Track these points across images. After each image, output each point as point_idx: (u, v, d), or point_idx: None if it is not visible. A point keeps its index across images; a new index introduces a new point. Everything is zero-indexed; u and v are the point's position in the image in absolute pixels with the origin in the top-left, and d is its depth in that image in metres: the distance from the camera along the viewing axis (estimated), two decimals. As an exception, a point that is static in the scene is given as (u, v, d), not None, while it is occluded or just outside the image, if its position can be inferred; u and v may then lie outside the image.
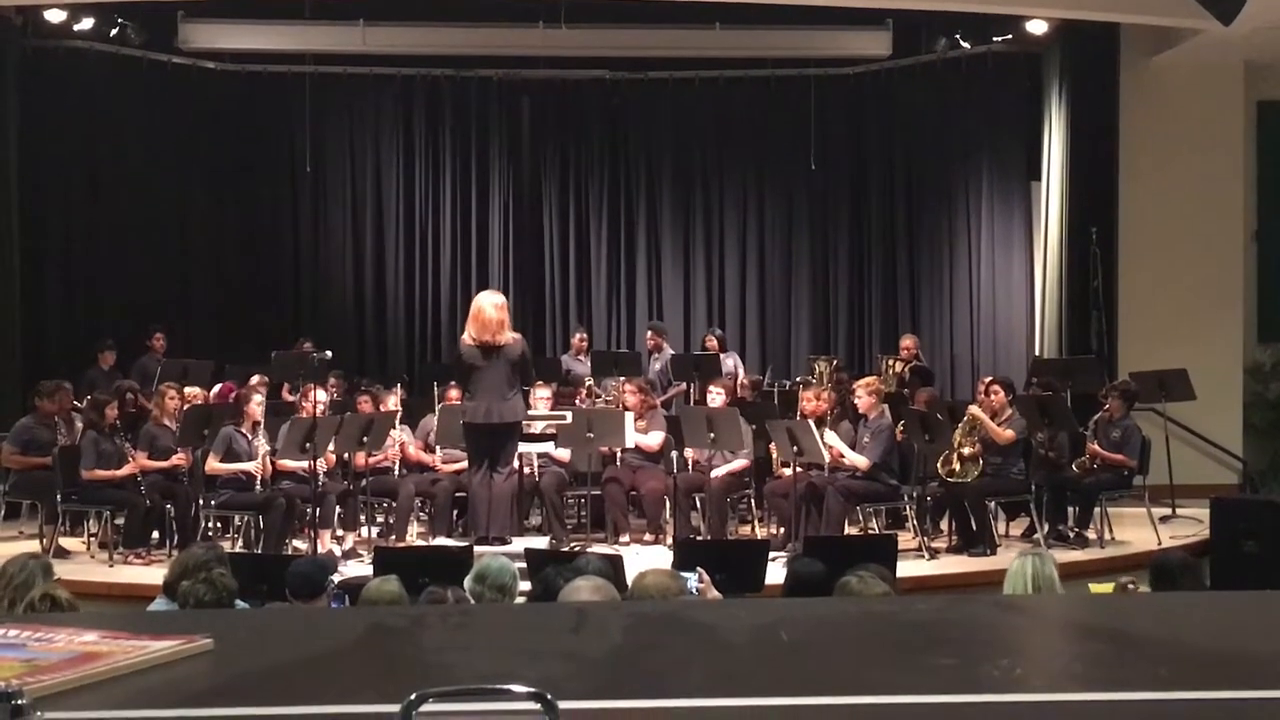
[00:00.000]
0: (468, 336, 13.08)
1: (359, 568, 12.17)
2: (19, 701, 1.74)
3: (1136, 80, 17.54)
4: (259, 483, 13.26)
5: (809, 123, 20.00)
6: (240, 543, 13.40)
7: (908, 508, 14.12)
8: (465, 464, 13.93)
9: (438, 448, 14.59)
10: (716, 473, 13.78)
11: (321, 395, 14.15)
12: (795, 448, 13.00)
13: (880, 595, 7.02)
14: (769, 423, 14.01)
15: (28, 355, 17.27)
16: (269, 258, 20.53)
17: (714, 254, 20.93)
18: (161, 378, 15.40)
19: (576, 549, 11.78)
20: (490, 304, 13.13)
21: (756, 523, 14.61)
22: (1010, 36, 18.24)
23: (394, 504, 14.02)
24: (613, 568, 8.87)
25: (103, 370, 17.04)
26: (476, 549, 11.33)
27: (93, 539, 13.89)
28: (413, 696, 1.76)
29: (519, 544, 12.40)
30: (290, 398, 15.19)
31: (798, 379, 17.42)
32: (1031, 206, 19.00)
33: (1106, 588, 10.72)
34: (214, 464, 13.33)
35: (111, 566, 12.90)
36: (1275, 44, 16.71)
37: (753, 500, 14.55)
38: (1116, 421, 14.06)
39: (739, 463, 13.98)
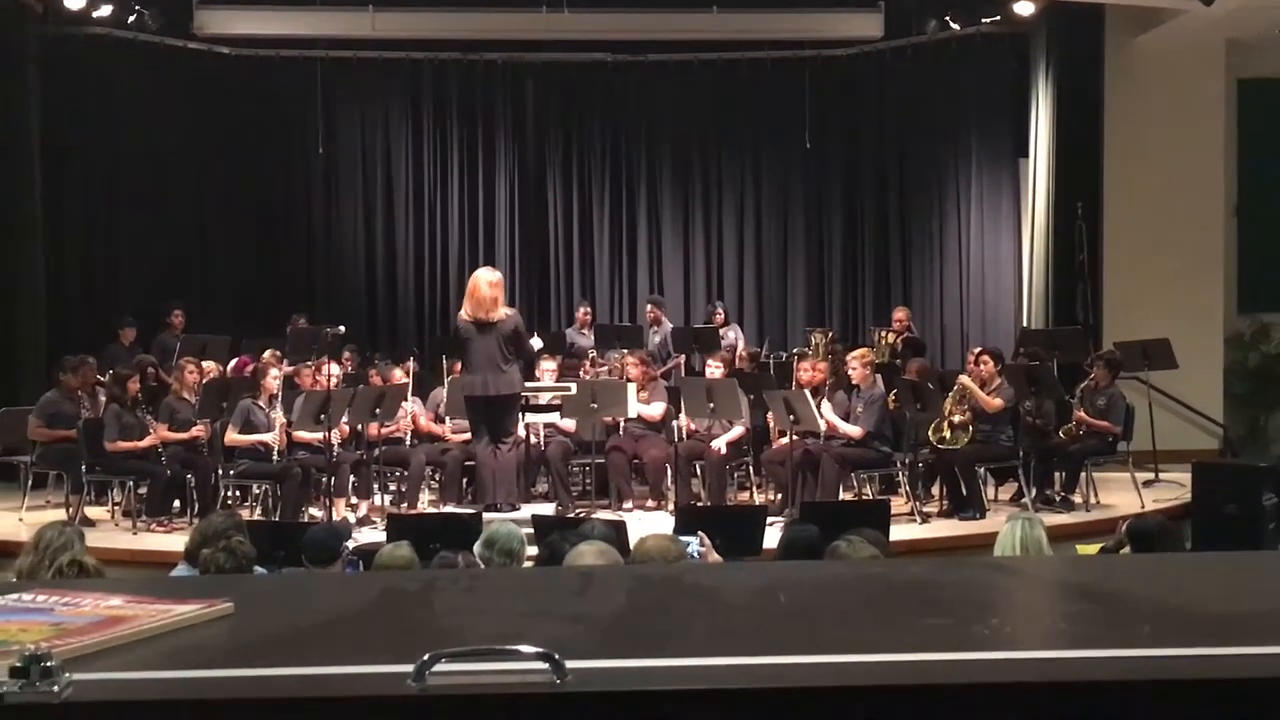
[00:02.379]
0: (464, 312, 13.32)
1: (372, 534, 12.29)
2: (48, 663, 1.76)
3: (1121, 59, 17.58)
4: (276, 453, 13.44)
5: (804, 103, 20.06)
6: (258, 511, 13.59)
7: (900, 474, 14.32)
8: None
9: (447, 418, 14.71)
10: (716, 444, 13.96)
11: (335, 369, 14.41)
12: (792, 417, 13.17)
13: (869, 558, 7.02)
14: (766, 393, 14.12)
15: (52, 333, 17.30)
16: (283, 237, 20.62)
17: (712, 230, 21.02)
18: (181, 353, 15.55)
19: (581, 515, 11.94)
20: (485, 281, 13.33)
21: (755, 489, 14.75)
22: (998, 18, 18.23)
23: (406, 473, 14.23)
24: (616, 533, 9.00)
25: (123, 346, 17.11)
26: (485, 515, 11.50)
27: (116, 508, 14.10)
28: (425, 657, 1.79)
29: (526, 510, 12.54)
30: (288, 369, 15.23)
31: (794, 350, 17.48)
32: (1019, 182, 19.02)
33: (1093, 548, 11.08)
34: (233, 435, 13.55)
35: (135, 534, 13.13)
36: (1256, 23, 16.77)
37: (751, 467, 14.70)
38: (1101, 390, 14.23)
39: (735, 431, 14.13)
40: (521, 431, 13.78)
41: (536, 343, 16.17)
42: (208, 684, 1.86)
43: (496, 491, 13.23)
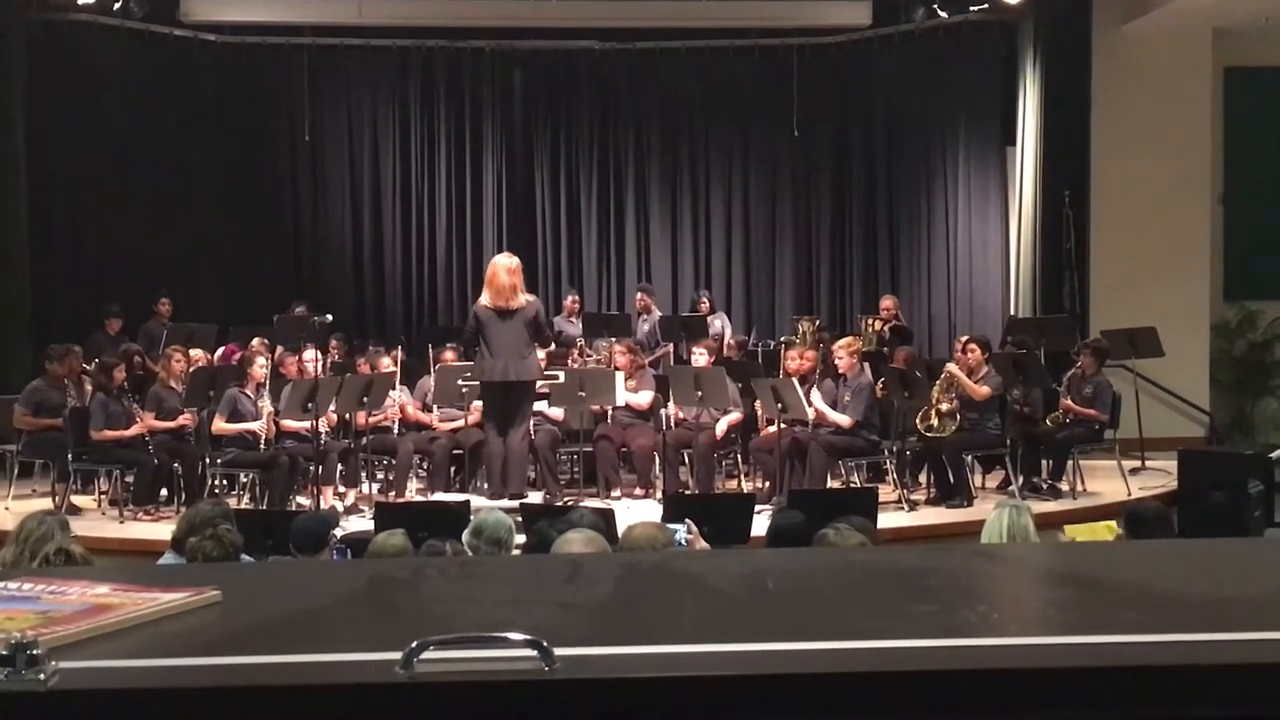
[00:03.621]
0: (483, 299, 13.37)
1: (360, 523, 12.32)
2: (34, 651, 1.76)
3: (1108, 48, 17.62)
4: (263, 442, 13.49)
5: (792, 91, 20.04)
6: (245, 499, 13.60)
7: (888, 462, 14.37)
8: (461, 423, 14.22)
9: (435, 407, 14.76)
10: (719, 428, 14.03)
11: (311, 355, 14.44)
12: (780, 405, 13.20)
13: (856, 546, 7.10)
14: (754, 381, 14.17)
15: (37, 321, 17.32)
16: (270, 225, 20.57)
17: (700, 218, 21.03)
18: (168, 341, 15.56)
19: (569, 503, 11.89)
20: (504, 268, 13.42)
21: (743, 477, 14.80)
22: (986, 6, 18.19)
23: (393, 461, 14.26)
24: (604, 521, 9.04)
25: (109, 335, 17.11)
26: (474, 503, 11.45)
27: (103, 497, 14.09)
28: (414, 644, 1.79)
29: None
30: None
31: (782, 339, 17.55)
32: (1007, 171, 19.05)
33: (1082, 527, 11.13)
34: (220, 424, 13.53)
35: (122, 523, 13.14)
36: (1243, 11, 16.89)
37: (739, 456, 14.73)
38: (1088, 378, 14.28)
39: (732, 416, 14.18)
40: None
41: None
42: (195, 672, 1.85)
43: (509, 481, 13.33)
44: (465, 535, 8.56)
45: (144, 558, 10.70)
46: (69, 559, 6.99)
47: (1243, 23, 17.47)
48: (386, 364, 15.11)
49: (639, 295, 19.09)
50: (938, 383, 14.01)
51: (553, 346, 14.89)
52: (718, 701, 1.81)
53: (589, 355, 16.51)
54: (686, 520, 9.18)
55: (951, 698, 1.81)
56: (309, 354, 14.51)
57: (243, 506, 12.96)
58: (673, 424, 14.43)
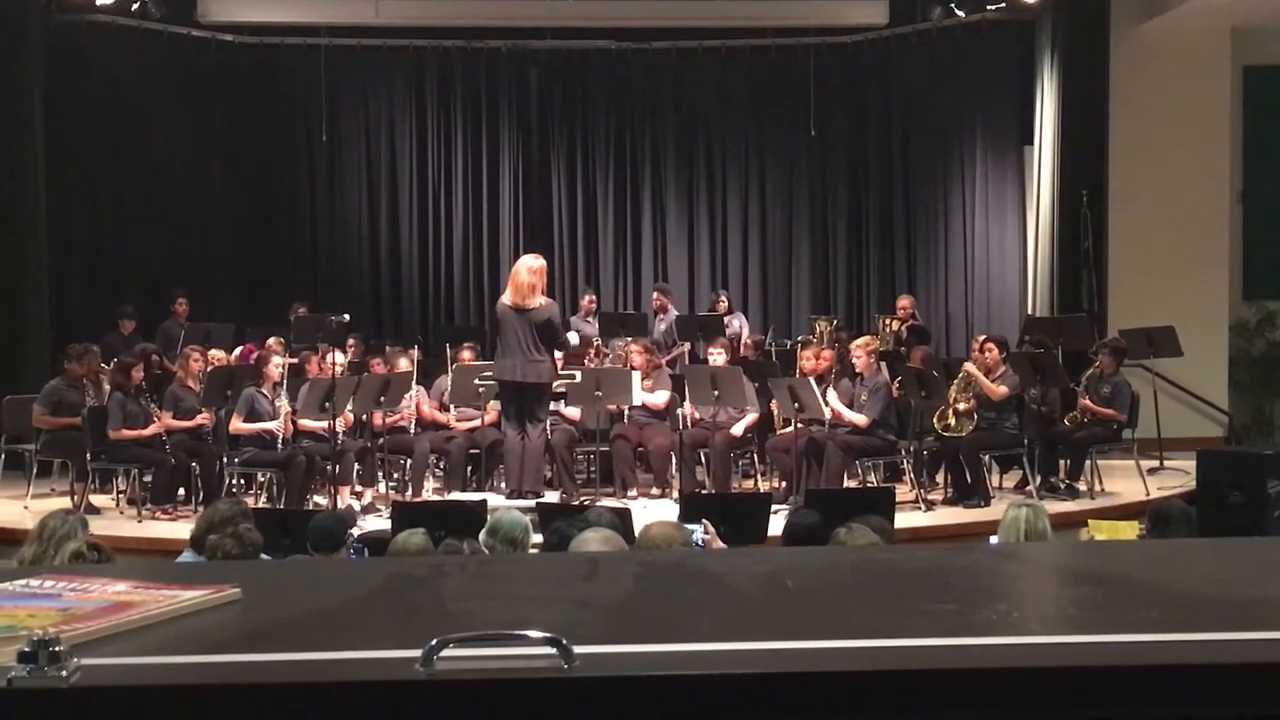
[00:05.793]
0: (504, 297, 13.46)
1: (377, 522, 12.34)
2: (57, 649, 1.77)
3: (1126, 47, 17.59)
4: (280, 441, 13.51)
5: (808, 90, 20.05)
6: (263, 499, 13.60)
7: (905, 461, 14.36)
8: (478, 422, 14.26)
9: (452, 406, 14.79)
10: (735, 430, 14.04)
11: (340, 357, 14.40)
12: (796, 405, 13.19)
13: (868, 545, 7.07)
14: (771, 381, 14.18)
15: (55, 321, 17.32)
16: (287, 225, 20.63)
17: (717, 218, 21.02)
18: (185, 341, 15.62)
19: (586, 503, 11.88)
20: (525, 268, 13.45)
21: (759, 477, 14.78)
22: (1004, 5, 18.22)
23: (410, 461, 14.27)
24: (621, 520, 9.07)
25: (122, 336, 17.19)
26: (491, 503, 11.48)
27: (121, 496, 14.14)
28: (434, 642, 1.80)
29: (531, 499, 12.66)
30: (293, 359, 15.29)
31: (798, 338, 17.54)
32: (1024, 170, 19.04)
33: (1105, 524, 11.09)
34: (237, 424, 13.54)
35: (140, 522, 13.17)
36: (1261, 10, 16.85)
37: (755, 455, 14.73)
38: (1106, 377, 14.26)
39: (750, 417, 14.20)
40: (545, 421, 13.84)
41: (573, 337, 16.40)
42: (215, 669, 1.86)
43: (522, 479, 13.32)
44: (481, 535, 8.56)
45: (162, 557, 10.68)
46: (101, 555, 7.03)
47: (1261, 21, 17.44)
48: (403, 363, 15.10)
49: (655, 295, 19.08)
50: (955, 382, 14.00)
51: (567, 348, 14.81)
52: (736, 700, 1.80)
53: (605, 355, 16.48)
54: (703, 520, 9.15)
55: (971, 697, 1.80)
56: (335, 355, 14.48)
57: (260, 506, 12.91)
58: (689, 423, 14.44)
